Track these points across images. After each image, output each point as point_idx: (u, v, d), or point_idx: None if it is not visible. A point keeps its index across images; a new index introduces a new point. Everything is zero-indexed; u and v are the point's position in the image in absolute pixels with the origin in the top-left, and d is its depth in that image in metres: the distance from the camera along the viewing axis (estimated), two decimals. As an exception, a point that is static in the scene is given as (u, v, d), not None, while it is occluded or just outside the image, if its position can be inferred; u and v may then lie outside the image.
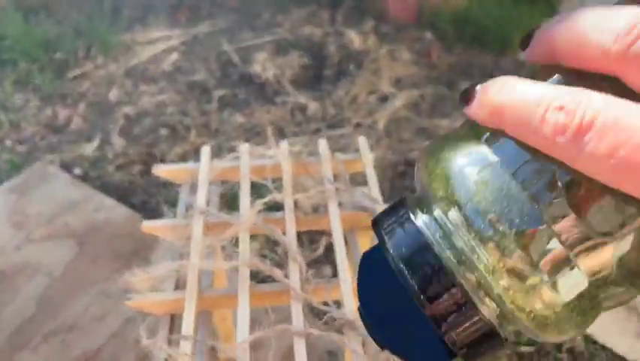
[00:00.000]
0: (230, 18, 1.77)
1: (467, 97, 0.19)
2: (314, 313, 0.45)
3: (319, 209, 0.55)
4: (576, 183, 0.17)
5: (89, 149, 1.31)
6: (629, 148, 0.15)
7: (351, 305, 0.44)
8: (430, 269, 0.20)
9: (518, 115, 0.17)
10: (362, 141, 0.61)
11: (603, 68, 0.16)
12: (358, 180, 0.64)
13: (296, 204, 0.54)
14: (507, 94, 0.17)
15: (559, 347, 0.82)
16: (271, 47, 1.60)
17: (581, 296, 0.18)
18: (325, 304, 0.45)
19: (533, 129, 0.17)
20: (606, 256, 0.18)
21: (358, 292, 0.23)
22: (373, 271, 0.22)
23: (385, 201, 0.55)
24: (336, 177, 0.57)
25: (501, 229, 0.18)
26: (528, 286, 0.18)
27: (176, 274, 0.47)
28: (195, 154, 1.27)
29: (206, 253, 0.50)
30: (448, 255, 0.19)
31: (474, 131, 0.20)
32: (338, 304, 0.45)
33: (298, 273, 0.46)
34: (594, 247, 0.18)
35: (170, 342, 0.45)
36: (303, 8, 1.76)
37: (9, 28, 1.64)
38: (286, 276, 0.46)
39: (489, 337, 0.20)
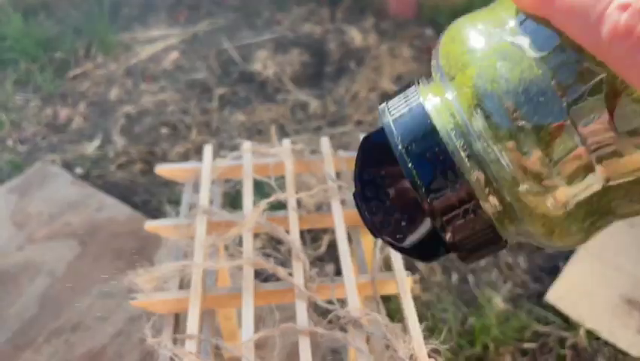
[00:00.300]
0: (229, 16, 1.76)
1: None
2: (318, 311, 0.45)
3: (322, 207, 0.55)
4: (610, 83, 0.16)
5: (90, 148, 1.31)
6: None
7: (355, 303, 0.44)
8: (434, 158, 0.18)
9: (571, 5, 0.14)
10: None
11: None
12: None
13: (299, 202, 0.54)
14: None
15: (562, 343, 0.82)
16: (271, 44, 1.60)
17: (594, 197, 0.17)
18: (329, 302, 0.45)
19: (587, 26, 0.14)
20: (626, 164, 0.16)
21: (355, 174, 0.21)
22: (373, 153, 0.21)
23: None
24: (338, 175, 0.57)
25: (521, 123, 0.17)
26: (543, 187, 0.17)
27: (180, 273, 0.47)
28: (196, 153, 1.27)
29: (209, 253, 0.50)
30: (456, 145, 0.18)
31: (505, 11, 0.18)
32: (342, 302, 0.45)
33: (302, 271, 0.46)
34: (616, 153, 0.16)
35: (174, 341, 0.45)
36: (302, 6, 1.76)
37: (9, 29, 1.64)
38: (290, 275, 0.46)
39: (488, 236, 0.19)
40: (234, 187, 0.62)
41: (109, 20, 1.73)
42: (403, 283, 0.46)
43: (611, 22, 0.13)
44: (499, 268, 0.95)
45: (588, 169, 0.17)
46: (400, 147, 0.19)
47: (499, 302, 0.86)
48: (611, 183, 0.17)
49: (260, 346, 0.43)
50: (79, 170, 1.25)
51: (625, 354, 0.81)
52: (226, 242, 0.46)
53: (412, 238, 0.21)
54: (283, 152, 0.57)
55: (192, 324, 0.42)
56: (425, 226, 0.20)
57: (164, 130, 1.35)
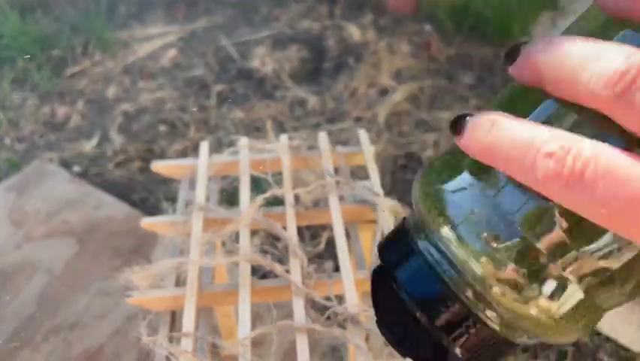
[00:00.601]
0: (227, 13, 1.75)
1: (457, 128, 0.19)
2: (316, 308, 0.45)
3: (320, 203, 0.54)
4: (565, 213, 0.18)
5: (88, 146, 1.31)
6: (620, 201, 0.15)
7: (353, 299, 0.43)
8: (432, 289, 0.21)
9: (508, 157, 0.17)
10: (363, 134, 0.61)
11: (591, 105, 0.16)
12: (360, 173, 0.64)
13: (296, 198, 0.53)
14: (496, 134, 0.17)
15: (563, 339, 0.81)
16: (270, 41, 1.59)
17: (579, 305, 0.19)
18: (327, 299, 0.44)
19: (524, 171, 0.17)
20: (598, 266, 0.18)
21: (373, 303, 0.24)
22: (382, 287, 0.24)
23: (386, 194, 0.54)
24: (336, 171, 0.57)
25: (493, 245, 0.19)
26: (524, 297, 0.19)
27: (176, 270, 0.47)
28: (194, 150, 1.26)
29: (206, 249, 0.49)
30: (446, 274, 0.20)
31: (462, 156, 0.20)
32: (340, 299, 0.45)
33: (299, 268, 0.46)
34: (585, 263, 0.18)
35: (171, 339, 0.44)
36: (301, 2, 1.75)
37: (6, 27, 1.63)
38: (287, 271, 0.46)
39: (499, 344, 0.21)
40: (231, 184, 0.61)
41: (106, 18, 1.72)
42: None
43: (542, 168, 0.16)
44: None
45: (563, 282, 0.18)
46: (398, 286, 0.22)
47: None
48: (591, 285, 0.18)
49: (257, 343, 0.42)
50: (77, 168, 1.24)
51: (627, 350, 0.81)
52: (222, 239, 0.46)
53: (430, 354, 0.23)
54: (280, 148, 0.56)
55: (188, 322, 0.42)
56: (438, 345, 0.22)
57: (163, 128, 1.34)
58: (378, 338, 0.40)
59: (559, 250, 0.18)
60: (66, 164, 1.26)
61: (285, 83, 1.42)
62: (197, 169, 0.56)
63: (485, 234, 0.19)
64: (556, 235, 0.18)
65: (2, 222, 1.06)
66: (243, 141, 0.58)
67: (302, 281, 0.45)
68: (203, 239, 0.46)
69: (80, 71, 1.57)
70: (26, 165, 1.24)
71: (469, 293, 0.20)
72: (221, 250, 0.53)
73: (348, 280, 0.44)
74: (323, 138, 0.60)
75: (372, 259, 0.47)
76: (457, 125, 0.19)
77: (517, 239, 0.18)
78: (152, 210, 1.09)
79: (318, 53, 1.51)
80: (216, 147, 1.27)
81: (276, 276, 0.46)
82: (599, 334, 0.82)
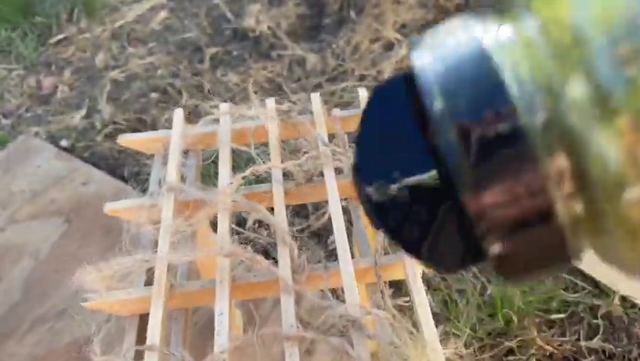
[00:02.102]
0: (220, -31, 1.64)
1: None
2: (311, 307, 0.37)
3: (314, 178, 0.46)
4: None
5: (76, 119, 1.23)
6: None
7: (354, 298, 0.35)
8: (493, 125, 0.12)
9: None
10: (362, 94, 0.52)
11: None
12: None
13: (286, 173, 0.45)
14: None
15: (593, 312, 0.74)
16: (265, -3, 1.48)
17: None
18: (323, 296, 0.37)
19: None
20: None
21: (357, 144, 0.16)
22: (387, 113, 0.15)
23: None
24: (332, 138, 0.48)
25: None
26: None
27: (146, 264, 0.39)
28: (188, 118, 1.18)
29: (182, 238, 0.42)
30: (532, 109, 0.11)
31: None
32: (341, 294, 0.37)
33: (289, 259, 0.38)
34: None
35: (138, 355, 0.37)
36: (297, -47, 1.63)
37: (-15, -6, 1.54)
38: (275, 260, 0.38)
39: (552, 252, 0.13)
40: (215, 157, 0.53)
41: (91, -20, 1.61)
42: (412, 268, 0.38)
43: None
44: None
45: None
46: (438, 103, 0.12)
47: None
48: None
49: (246, 347, 0.35)
50: (64, 142, 1.17)
51: (663, 321, 0.73)
52: (194, 228, 0.38)
53: (435, 243, 0.14)
54: (265, 114, 0.48)
55: (153, 332, 0.34)
56: (453, 226, 0.14)
57: (154, 95, 1.26)
58: (387, 348, 0.32)
59: None
60: (53, 138, 1.18)
61: (282, 41, 1.32)
62: (169, 142, 0.48)
63: (628, 47, 0.10)
64: None
65: (-15, 203, 0.99)
66: (223, 108, 0.50)
67: (292, 275, 0.37)
68: (173, 228, 0.39)
69: (65, 39, 1.47)
70: (12, 141, 1.17)
71: (561, 162, 0.12)
72: (204, 237, 0.46)
73: (348, 273, 0.37)
74: (316, 100, 0.51)
75: (378, 244, 0.39)
76: None
77: None
78: (144, 187, 1.02)
79: (316, 8, 1.40)
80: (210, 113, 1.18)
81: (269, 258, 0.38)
82: (633, 305, 0.74)
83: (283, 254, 0.38)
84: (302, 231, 0.89)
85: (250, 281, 0.38)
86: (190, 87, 1.26)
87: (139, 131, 1.17)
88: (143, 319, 0.39)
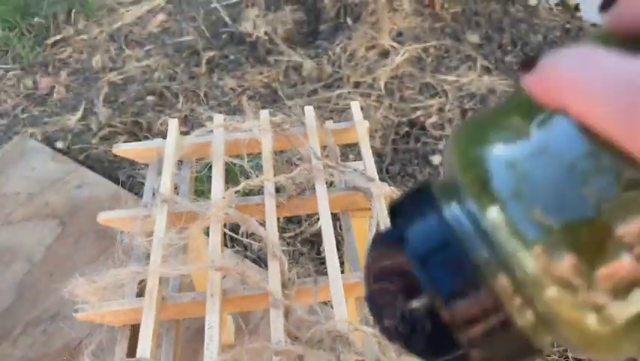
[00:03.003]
0: (218, -28, 1.64)
1: (529, 64, 0.15)
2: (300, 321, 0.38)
3: (306, 191, 0.47)
4: None
5: (72, 120, 1.23)
6: None
7: (343, 313, 0.36)
8: (456, 268, 0.16)
9: (600, 95, 0.13)
10: (355, 107, 0.53)
11: None
12: (354, 152, 0.56)
13: (278, 186, 0.46)
14: (587, 66, 0.13)
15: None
16: (262, 1, 1.49)
17: None
18: (312, 310, 0.37)
19: (619, 118, 0.13)
20: None
21: (365, 280, 0.20)
22: (384, 258, 0.19)
23: (388, 165, 0.47)
24: (324, 150, 0.49)
25: (550, 226, 0.15)
26: (581, 299, 0.15)
27: (138, 276, 0.40)
28: (184, 123, 1.18)
29: (174, 250, 0.42)
30: (480, 254, 0.16)
31: (522, 110, 0.16)
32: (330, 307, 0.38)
33: (279, 273, 0.39)
34: None
35: None
36: (296, -42, 1.63)
37: (-17, -7, 1.54)
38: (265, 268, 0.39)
39: (520, 349, 0.17)
40: (209, 168, 0.54)
41: (89, -19, 1.62)
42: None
43: None
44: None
45: (636, 280, 0.14)
46: (415, 256, 0.17)
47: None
48: None
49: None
50: (60, 144, 1.17)
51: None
52: (185, 241, 0.38)
53: (425, 345, 0.19)
54: (257, 126, 0.48)
55: (144, 343, 0.35)
56: (448, 340, 0.17)
57: (150, 98, 1.26)
58: (371, 364, 0.33)
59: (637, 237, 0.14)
60: (49, 139, 1.19)
61: (279, 47, 1.33)
62: (163, 152, 0.49)
63: (539, 212, 0.15)
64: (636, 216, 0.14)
65: (-20, 205, 0.99)
66: (218, 119, 0.50)
67: (282, 290, 0.38)
68: (165, 240, 0.39)
69: (62, 40, 1.48)
70: (7, 143, 1.17)
71: (505, 282, 0.16)
72: (198, 248, 0.46)
73: (337, 288, 0.37)
74: (309, 112, 0.52)
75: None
76: (531, 61, 0.15)
77: (588, 217, 0.14)
78: (139, 190, 1.02)
79: (313, 14, 1.41)
80: (208, 118, 1.19)
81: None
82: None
83: (273, 268, 0.39)
84: (295, 237, 0.90)
85: (241, 295, 0.38)
86: (186, 91, 1.26)
87: (135, 134, 1.18)
88: (135, 329, 0.40)
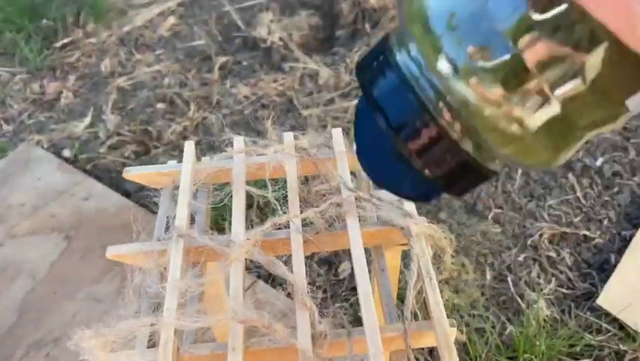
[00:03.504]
0: (231, -25, 1.60)
1: None
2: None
3: (335, 223, 0.42)
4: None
5: (80, 128, 1.19)
6: None
7: (382, 374, 0.32)
8: (406, 105, 0.21)
9: None
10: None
11: None
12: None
13: (305, 219, 0.41)
14: None
15: (620, 357, 0.70)
16: (277, 6, 1.44)
17: (554, 119, 0.19)
18: (347, 369, 0.33)
19: None
20: (577, 81, 0.18)
21: (354, 133, 0.24)
22: (363, 114, 0.24)
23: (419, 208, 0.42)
24: (354, 176, 0.45)
25: (478, 62, 0.19)
26: (504, 113, 0.19)
27: (152, 328, 0.35)
28: (195, 132, 1.14)
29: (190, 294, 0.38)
30: (423, 89, 0.20)
31: None
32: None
33: (309, 324, 0.34)
34: (567, 72, 0.18)
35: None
36: (311, -39, 1.59)
37: (-10, -5, 1.51)
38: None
39: (467, 168, 0.21)
40: (225, 192, 0.49)
41: (99, -17, 1.58)
42: (446, 338, 0.34)
43: None
44: (540, 264, 0.83)
45: (543, 96, 0.19)
46: (375, 101, 0.21)
47: (542, 306, 0.74)
48: (569, 98, 0.19)
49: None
50: (67, 152, 1.13)
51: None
52: (204, 286, 0.34)
53: (409, 182, 0.23)
54: (284, 151, 0.44)
55: (157, 410, 0.30)
56: (416, 172, 0.22)
57: (160, 106, 1.22)
58: None
59: (542, 54, 0.18)
60: (55, 147, 1.15)
61: (294, 53, 1.29)
62: (179, 177, 0.45)
63: (474, 48, 0.19)
64: (540, 36, 0.17)
65: (-17, 216, 0.96)
66: (238, 144, 0.46)
67: (313, 342, 0.33)
68: (182, 286, 0.35)
69: (71, 43, 1.44)
70: (13, 149, 1.13)
71: (445, 113, 0.20)
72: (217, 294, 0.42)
73: (375, 343, 0.33)
74: (337, 135, 0.47)
75: (407, 310, 0.35)
76: None
77: (508, 55, 0.18)
78: (147, 203, 0.98)
79: (330, 19, 1.36)
80: (220, 127, 1.15)
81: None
82: (662, 352, 0.70)
83: (302, 318, 0.34)
84: (311, 257, 0.85)
85: (266, 348, 0.34)
86: (198, 98, 1.22)
87: (144, 143, 1.14)
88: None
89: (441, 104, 0.20)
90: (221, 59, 1.32)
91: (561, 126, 0.19)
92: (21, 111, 1.27)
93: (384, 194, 0.44)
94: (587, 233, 0.86)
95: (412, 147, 0.20)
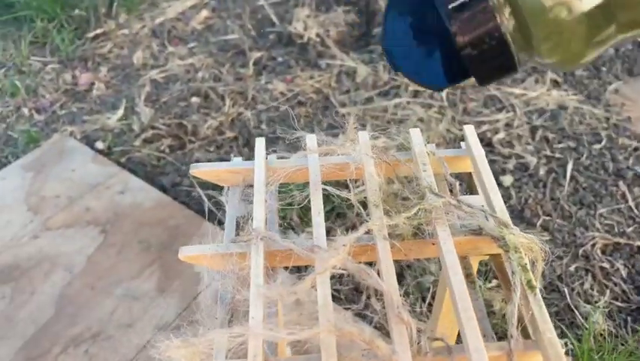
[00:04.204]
0: (265, -31, 1.58)
1: None
2: None
3: (419, 231, 0.40)
4: None
5: (113, 119, 1.17)
6: None
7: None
8: None
9: None
10: (469, 131, 0.45)
11: None
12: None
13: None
14: None
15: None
16: (312, 1, 1.42)
17: (600, 6, 0.20)
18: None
19: None
20: None
21: (384, 16, 0.25)
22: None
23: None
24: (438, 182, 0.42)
25: None
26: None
27: (240, 338, 0.33)
28: (231, 127, 1.12)
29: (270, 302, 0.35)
30: None
31: None
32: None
33: (407, 341, 0.32)
34: None
35: None
36: (346, -43, 1.56)
37: (23, -17, 1.49)
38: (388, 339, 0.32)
39: (503, 54, 0.22)
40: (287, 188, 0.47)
41: (132, -26, 1.57)
42: (555, 354, 0.31)
43: None
44: (593, 275, 0.80)
45: None
46: None
47: (599, 320, 0.71)
48: None
49: None
50: (100, 145, 1.11)
51: None
52: (297, 296, 0.32)
53: (432, 66, 0.24)
54: (361, 151, 0.42)
55: None
56: (444, 52, 0.23)
57: (195, 100, 1.20)
58: None
59: None
60: (88, 139, 1.13)
61: (330, 50, 1.26)
62: (249, 176, 0.42)
63: None
64: None
65: (18, 207, 0.94)
66: (311, 142, 0.44)
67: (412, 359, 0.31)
68: (269, 292, 0.32)
69: (103, 34, 1.43)
70: (45, 140, 1.12)
71: None
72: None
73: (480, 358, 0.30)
74: (416, 135, 0.45)
75: (512, 327, 0.33)
76: None
77: None
78: (185, 199, 0.96)
79: (367, 15, 1.33)
80: (257, 123, 1.12)
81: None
82: None
83: (399, 334, 0.32)
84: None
85: (360, 364, 0.32)
86: (233, 93, 1.20)
87: (179, 137, 1.12)
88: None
89: None
90: (256, 54, 1.30)
91: (603, 17, 0.20)
92: (53, 101, 1.26)
93: (473, 200, 0.41)
94: (642, 244, 0.83)
95: (458, 22, 0.21)
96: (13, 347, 0.74)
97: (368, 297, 0.30)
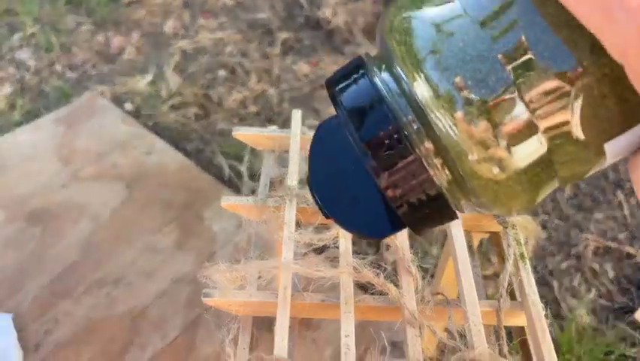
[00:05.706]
0: (298, -47, 1.62)
1: None
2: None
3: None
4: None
5: (142, 83, 1.23)
6: None
7: (483, 341, 0.35)
8: (383, 129, 0.18)
9: None
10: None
11: None
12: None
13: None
14: None
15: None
16: (342, -11, 1.46)
17: (538, 162, 0.18)
18: (447, 332, 0.36)
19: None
20: (566, 115, 0.17)
21: (309, 160, 0.22)
22: (326, 138, 0.22)
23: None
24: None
25: (468, 95, 0.17)
26: (488, 154, 0.17)
27: (274, 270, 0.39)
28: (255, 102, 1.17)
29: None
30: (404, 114, 0.18)
31: None
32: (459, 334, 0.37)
33: (413, 290, 0.37)
34: (558, 107, 0.17)
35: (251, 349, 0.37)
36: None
37: (65, -57, 1.54)
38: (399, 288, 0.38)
39: (439, 206, 0.19)
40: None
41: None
42: (539, 318, 0.37)
43: None
44: (583, 274, 0.85)
45: (532, 131, 0.17)
46: (348, 119, 0.19)
47: (583, 313, 0.77)
48: (556, 133, 0.17)
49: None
50: (128, 106, 1.17)
51: None
52: (323, 242, 0.37)
53: (364, 216, 0.21)
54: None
55: (281, 345, 0.34)
56: (375, 202, 0.20)
57: (222, 73, 1.26)
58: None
59: (535, 89, 0.17)
60: (117, 99, 1.19)
61: (356, 38, 1.31)
62: (285, 142, 0.48)
63: (459, 79, 0.17)
64: (540, 75, 0.17)
65: (50, 157, 1.00)
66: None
67: (417, 309, 0.36)
68: (301, 238, 0.38)
69: (137, 1, 1.48)
70: (76, 97, 1.17)
71: (428, 145, 0.18)
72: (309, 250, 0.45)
73: (475, 315, 0.36)
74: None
75: (502, 288, 0.38)
76: None
77: (499, 88, 0.17)
78: (207, 164, 1.02)
79: (395, 9, 1.38)
80: (279, 102, 1.18)
81: (379, 291, 0.38)
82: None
83: (407, 284, 0.38)
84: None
85: (374, 305, 0.37)
86: (259, 70, 1.25)
87: (205, 107, 1.17)
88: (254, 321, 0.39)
89: (422, 134, 0.18)
90: (284, 35, 1.35)
91: (541, 172, 0.18)
92: (85, 60, 1.31)
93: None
94: (631, 250, 0.88)
95: (379, 164, 0.18)
96: (39, 282, 0.80)
97: (387, 248, 0.36)
